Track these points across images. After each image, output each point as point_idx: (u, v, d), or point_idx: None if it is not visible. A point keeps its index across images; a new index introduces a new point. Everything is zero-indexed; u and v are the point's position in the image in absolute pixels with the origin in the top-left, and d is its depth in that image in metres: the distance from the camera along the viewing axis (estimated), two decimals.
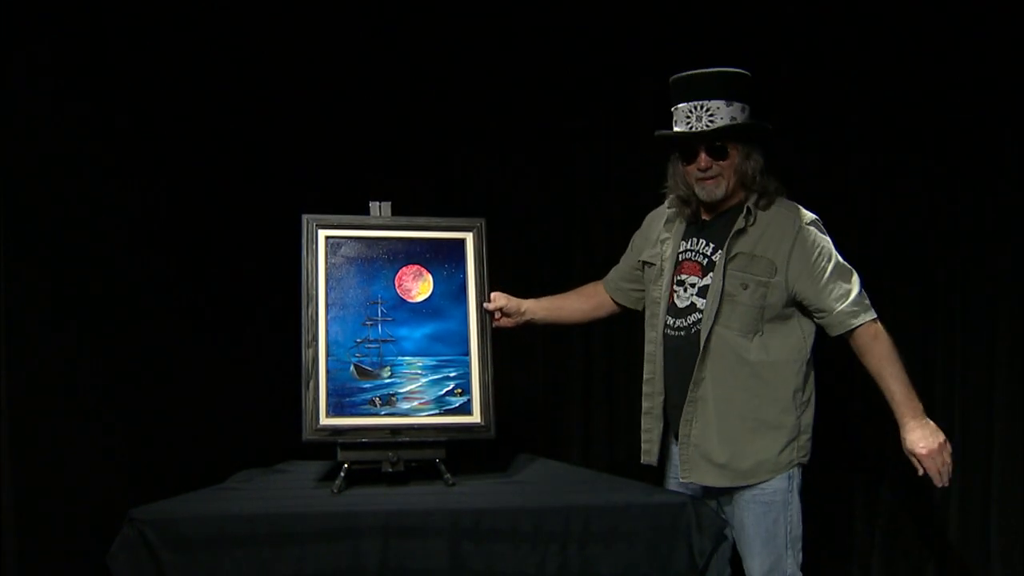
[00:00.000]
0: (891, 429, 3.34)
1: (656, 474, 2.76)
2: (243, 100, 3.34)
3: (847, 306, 2.44)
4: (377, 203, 2.74)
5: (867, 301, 2.47)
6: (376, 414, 2.58)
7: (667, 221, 2.66)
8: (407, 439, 2.56)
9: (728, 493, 2.55)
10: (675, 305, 2.57)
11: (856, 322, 2.43)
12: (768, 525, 2.50)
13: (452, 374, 2.65)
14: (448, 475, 2.55)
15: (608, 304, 2.88)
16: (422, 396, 2.62)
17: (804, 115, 3.40)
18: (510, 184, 3.58)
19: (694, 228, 2.60)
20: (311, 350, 2.57)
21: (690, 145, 2.49)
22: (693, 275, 2.55)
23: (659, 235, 2.67)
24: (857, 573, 3.42)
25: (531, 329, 3.55)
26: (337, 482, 2.48)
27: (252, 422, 3.30)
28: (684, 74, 2.49)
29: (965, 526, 3.20)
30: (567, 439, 3.59)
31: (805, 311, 2.50)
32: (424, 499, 2.40)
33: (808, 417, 2.54)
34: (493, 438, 2.64)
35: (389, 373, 2.62)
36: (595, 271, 3.54)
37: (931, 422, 2.43)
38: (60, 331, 2.81)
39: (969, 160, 3.23)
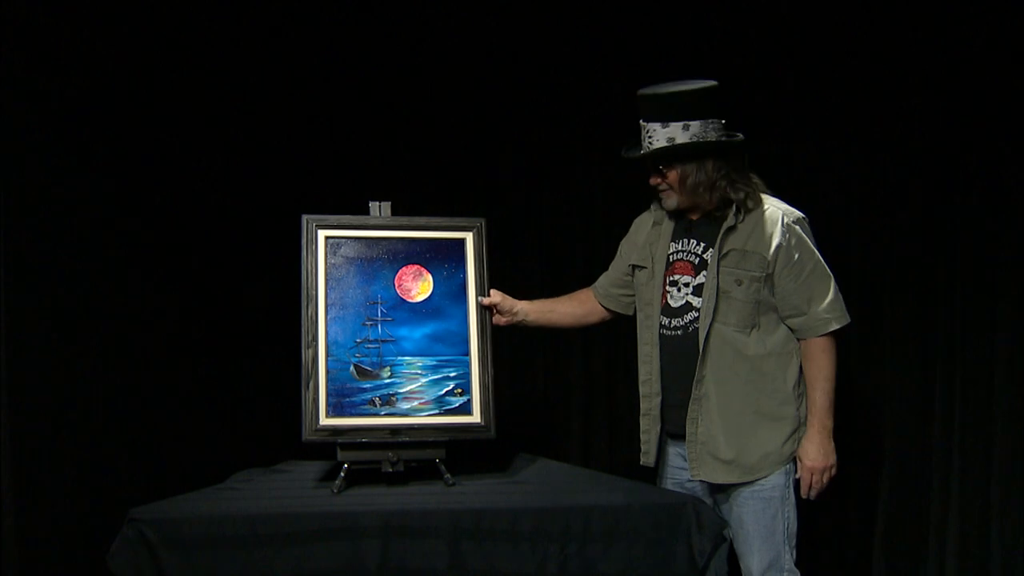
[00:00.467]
0: (890, 427, 3.36)
1: (653, 473, 2.76)
2: (243, 100, 3.34)
3: (820, 311, 2.50)
4: (377, 203, 2.74)
5: (840, 307, 2.53)
6: (376, 414, 2.58)
7: (655, 224, 2.71)
8: (407, 439, 2.56)
9: (726, 489, 2.58)
10: (669, 305, 2.61)
11: (824, 329, 2.50)
12: (767, 521, 2.53)
13: (452, 374, 2.65)
14: (448, 475, 2.55)
15: (599, 311, 2.91)
16: (422, 396, 2.62)
17: (804, 115, 3.40)
18: (510, 184, 3.58)
19: (682, 229, 2.65)
20: (311, 350, 2.57)
21: (643, 164, 2.61)
22: (686, 275, 2.60)
23: (647, 238, 2.72)
24: (857, 573, 3.42)
25: (525, 330, 3.57)
26: (337, 482, 2.48)
27: (252, 422, 3.30)
28: (638, 94, 2.56)
29: (965, 526, 3.20)
30: (567, 439, 3.59)
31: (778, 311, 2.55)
32: (424, 499, 2.40)
33: (804, 409, 2.58)
34: (493, 438, 2.64)
35: (389, 373, 2.62)
36: (595, 271, 3.53)
37: (832, 443, 2.52)
38: (60, 330, 2.81)
39: (969, 159, 3.23)
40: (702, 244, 2.59)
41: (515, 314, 2.76)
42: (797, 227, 2.53)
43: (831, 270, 2.57)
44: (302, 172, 3.38)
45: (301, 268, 2.62)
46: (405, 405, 2.61)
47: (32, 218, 2.72)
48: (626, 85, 3.44)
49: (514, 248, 3.52)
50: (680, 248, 2.63)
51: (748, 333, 2.52)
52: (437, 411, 2.62)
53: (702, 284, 2.55)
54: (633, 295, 2.79)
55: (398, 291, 2.69)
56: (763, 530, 2.53)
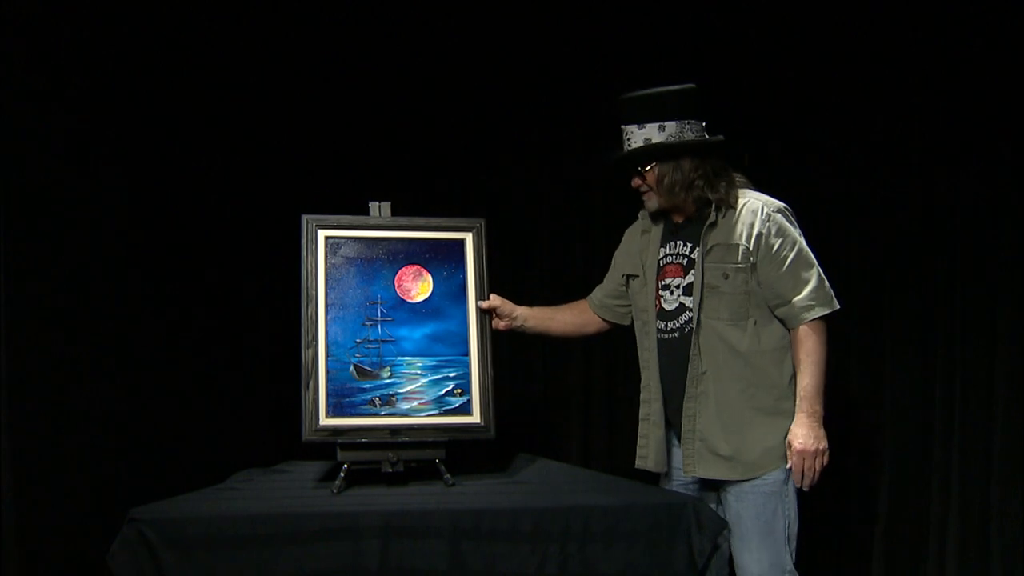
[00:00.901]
0: (890, 427, 3.36)
1: (652, 475, 2.75)
2: (243, 101, 3.34)
3: (803, 298, 2.48)
4: (377, 203, 2.74)
5: (825, 292, 2.50)
6: (376, 414, 2.58)
7: (643, 232, 2.74)
8: (407, 439, 2.56)
9: (724, 486, 2.56)
10: (664, 309, 2.63)
11: (808, 316, 2.48)
12: (768, 518, 2.51)
13: (452, 374, 2.65)
14: (448, 475, 2.55)
15: (596, 321, 2.92)
16: (422, 396, 2.62)
17: (803, 115, 3.40)
18: (510, 184, 3.58)
19: (669, 233, 2.67)
20: (311, 350, 2.57)
21: (625, 168, 2.65)
22: (676, 276, 2.61)
23: (638, 246, 2.75)
24: (857, 573, 3.42)
25: (522, 334, 3.58)
26: (337, 482, 2.48)
27: (252, 422, 3.30)
28: (618, 99, 2.61)
29: (965, 526, 3.20)
30: (567, 439, 3.59)
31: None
32: (424, 499, 2.40)
33: None
34: (493, 438, 2.64)
35: (389, 373, 2.62)
36: (595, 271, 3.54)
37: (822, 429, 2.47)
38: (60, 330, 2.81)
39: (968, 159, 3.23)
40: (689, 244, 2.61)
41: (514, 319, 2.76)
42: (778, 215, 2.53)
43: (826, 263, 2.56)
44: (302, 172, 3.39)
45: (301, 268, 2.62)
46: (405, 405, 2.61)
47: (32, 218, 2.72)
48: (626, 85, 3.46)
49: (514, 248, 3.52)
50: (669, 252, 2.65)
51: (742, 327, 2.52)
52: (437, 411, 2.62)
53: (692, 283, 2.56)
54: (628, 305, 2.81)
55: (398, 291, 2.69)
56: (763, 527, 2.50)
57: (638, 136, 2.58)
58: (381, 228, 2.71)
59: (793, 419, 2.50)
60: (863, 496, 3.40)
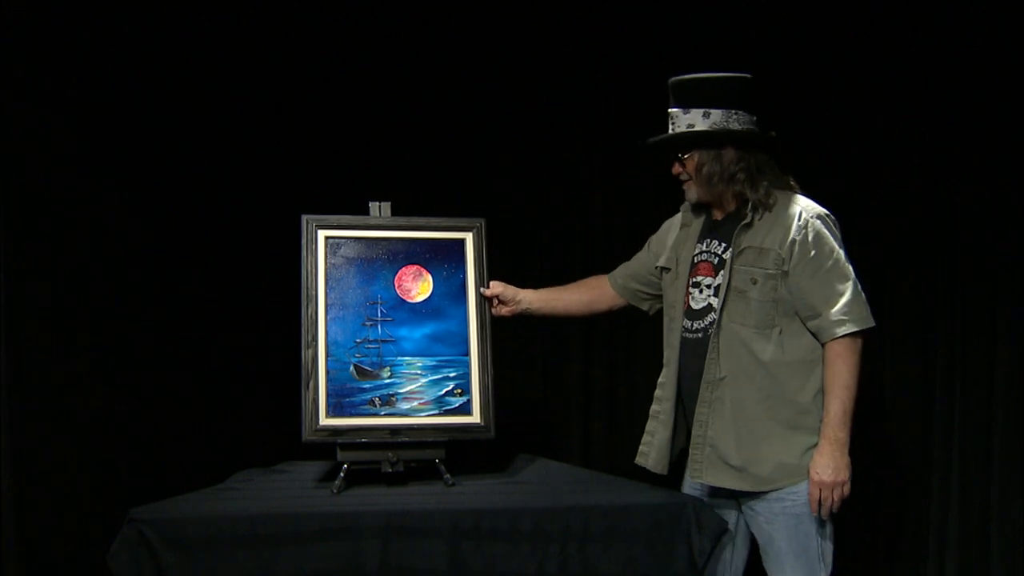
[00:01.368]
0: (890, 427, 3.36)
1: (651, 475, 2.74)
2: (243, 101, 3.34)
3: (835, 312, 2.34)
4: (377, 203, 2.74)
5: (860, 309, 2.36)
6: (376, 414, 2.58)
7: (683, 226, 2.64)
8: (407, 439, 2.56)
9: (752, 502, 2.45)
10: (691, 308, 2.53)
11: (839, 331, 2.34)
12: (800, 539, 2.40)
13: (452, 374, 2.65)
14: (448, 475, 2.55)
15: (609, 297, 2.83)
16: (422, 396, 2.62)
17: (803, 115, 3.40)
18: (510, 184, 3.58)
19: (707, 230, 2.57)
20: (311, 350, 2.57)
21: (666, 154, 2.55)
22: (707, 275, 2.51)
23: (675, 240, 2.65)
24: (857, 573, 3.42)
25: (531, 326, 3.56)
26: (337, 482, 2.48)
27: (252, 422, 3.30)
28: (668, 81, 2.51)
29: (965, 526, 3.20)
30: (567, 439, 3.59)
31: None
32: (424, 499, 2.40)
33: None
34: (493, 438, 2.64)
35: (389, 373, 2.62)
36: (595, 271, 3.55)
37: (846, 458, 2.34)
38: (60, 330, 2.81)
39: (968, 159, 3.23)
40: (723, 244, 2.49)
41: (518, 303, 2.72)
42: (818, 222, 2.40)
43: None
44: (302, 172, 3.38)
45: (301, 268, 2.62)
46: (405, 405, 2.61)
47: (32, 218, 2.72)
48: (626, 85, 3.47)
49: (514, 248, 3.52)
50: (704, 249, 2.54)
51: (767, 335, 2.39)
52: (437, 411, 2.62)
53: (720, 284, 2.45)
54: (652, 293, 2.74)
55: (398, 291, 2.69)
56: (796, 548, 2.40)
57: (682, 121, 2.46)
58: (381, 228, 2.71)
59: (813, 436, 2.38)
60: (863, 496, 3.39)
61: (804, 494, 2.37)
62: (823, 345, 2.38)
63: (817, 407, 2.39)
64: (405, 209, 2.77)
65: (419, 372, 2.64)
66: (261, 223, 3.28)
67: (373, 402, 2.59)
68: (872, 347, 3.37)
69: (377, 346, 2.63)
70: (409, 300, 2.69)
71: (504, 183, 3.58)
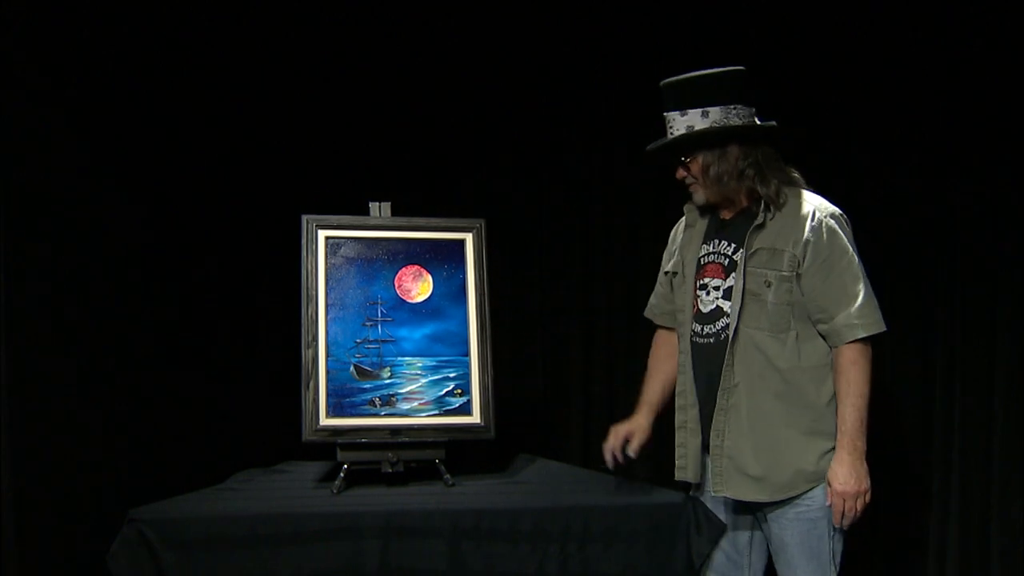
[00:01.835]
0: (890, 427, 3.35)
1: (650, 476, 2.75)
2: (243, 101, 3.34)
3: (848, 316, 2.29)
4: (377, 203, 2.75)
5: (872, 313, 2.31)
6: (376, 414, 2.59)
7: (687, 227, 2.57)
8: (407, 439, 2.56)
9: (765, 508, 2.40)
10: (700, 311, 2.45)
11: (851, 336, 2.29)
12: (813, 544, 2.36)
13: (452, 374, 2.66)
14: (448, 475, 2.55)
15: (670, 335, 2.65)
16: (422, 396, 2.63)
17: (802, 115, 3.40)
18: (510, 184, 3.58)
19: (714, 230, 2.49)
20: (311, 350, 2.57)
21: (668, 159, 2.49)
22: (716, 277, 2.44)
23: (681, 242, 2.58)
24: (857, 573, 3.42)
25: (531, 326, 3.57)
26: (337, 482, 2.48)
27: (252, 422, 3.30)
28: (660, 84, 2.46)
29: (965, 526, 3.20)
30: (567, 439, 3.59)
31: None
32: (424, 499, 2.40)
33: None
34: (493, 438, 2.64)
35: (389, 373, 2.63)
36: (594, 271, 3.55)
37: (864, 466, 2.29)
38: (60, 330, 2.80)
39: (969, 159, 3.23)
40: (732, 244, 2.42)
41: (642, 428, 2.57)
42: (832, 222, 2.35)
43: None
44: (302, 172, 3.38)
45: (301, 268, 2.62)
46: (405, 405, 2.61)
47: (32, 218, 2.72)
48: (625, 85, 3.47)
49: (514, 248, 3.52)
50: (711, 250, 2.47)
51: (782, 340, 2.33)
52: (437, 411, 2.62)
53: (732, 287, 2.38)
54: None
55: (398, 291, 2.69)
56: (808, 553, 2.36)
57: (680, 123, 2.39)
58: (381, 228, 2.72)
59: (829, 440, 2.32)
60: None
61: (818, 498, 2.33)
62: (833, 348, 2.33)
63: (832, 411, 2.34)
64: (405, 209, 2.78)
65: (419, 372, 2.64)
66: (261, 223, 3.28)
67: (373, 402, 2.60)
68: (874, 349, 3.39)
69: (377, 346, 2.63)
70: (409, 300, 2.69)
71: (504, 183, 3.58)
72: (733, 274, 2.39)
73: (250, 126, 3.34)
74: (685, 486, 2.54)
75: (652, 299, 2.72)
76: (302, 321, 2.58)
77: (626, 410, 3.50)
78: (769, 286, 2.34)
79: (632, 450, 2.52)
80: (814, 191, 2.46)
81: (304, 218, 2.66)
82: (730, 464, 2.36)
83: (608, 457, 2.53)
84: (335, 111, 3.47)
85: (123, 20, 3.03)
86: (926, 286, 3.31)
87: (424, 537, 2.27)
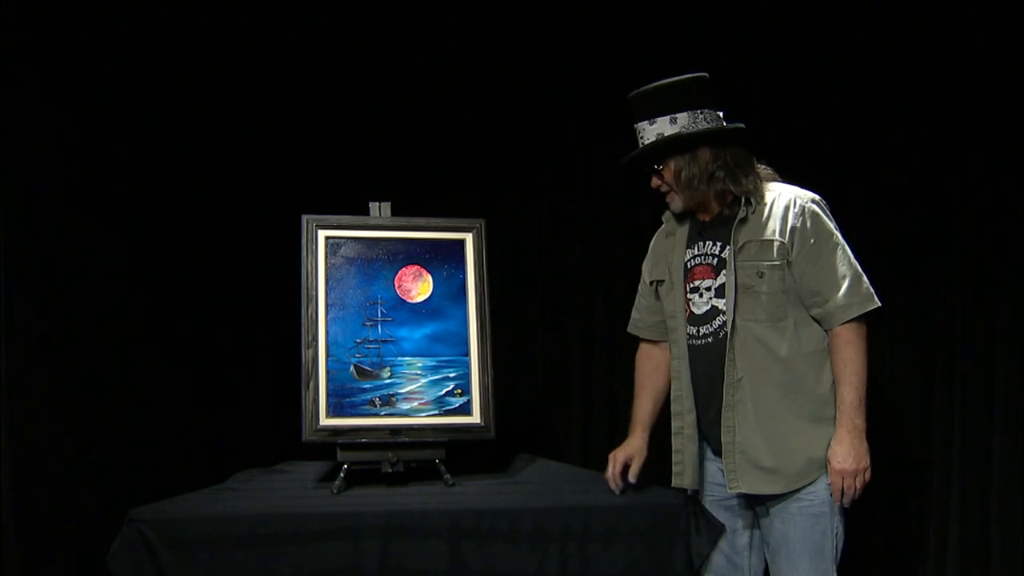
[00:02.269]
0: (890, 427, 3.35)
1: (650, 477, 2.74)
2: (243, 101, 3.34)
3: (840, 296, 2.32)
4: (377, 203, 2.75)
5: (864, 289, 2.34)
6: (376, 414, 2.59)
7: (667, 235, 2.59)
8: (407, 439, 2.56)
9: (765, 503, 2.39)
10: (694, 313, 2.46)
11: (846, 316, 2.32)
12: (816, 538, 2.35)
13: (452, 374, 2.66)
14: (448, 475, 2.55)
15: (655, 349, 2.67)
16: (422, 396, 2.63)
17: (802, 115, 3.40)
18: (510, 184, 3.58)
19: (696, 233, 2.52)
20: (311, 350, 2.57)
21: (643, 168, 2.52)
22: (706, 278, 2.45)
23: (662, 250, 2.60)
24: (857, 573, 3.42)
25: (531, 326, 3.57)
26: (337, 482, 2.48)
27: (252, 422, 3.30)
28: (628, 97, 2.50)
29: (965, 526, 3.20)
30: (567, 439, 3.59)
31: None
32: (424, 499, 2.41)
33: None
34: (493, 438, 2.64)
35: (389, 373, 2.63)
36: (594, 271, 3.55)
37: (864, 444, 2.30)
38: (60, 330, 2.81)
39: (969, 159, 3.23)
40: (718, 244, 2.44)
41: (639, 450, 2.56)
42: (813, 206, 2.38)
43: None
44: (302, 172, 3.38)
45: (301, 268, 2.62)
46: (405, 405, 2.61)
47: (32, 218, 2.72)
48: (625, 85, 3.46)
49: (514, 248, 3.52)
50: (696, 253, 2.49)
51: (780, 329, 2.35)
52: (437, 411, 2.62)
53: (724, 284, 2.40)
54: None
55: (398, 291, 2.69)
56: (811, 547, 2.35)
57: (650, 132, 2.44)
58: (381, 228, 2.72)
59: (834, 426, 2.33)
60: (862, 496, 3.39)
61: (821, 492, 2.34)
62: (828, 331, 2.36)
63: (835, 397, 2.35)
64: (405, 209, 2.78)
65: (419, 372, 2.64)
66: (261, 223, 3.28)
67: (373, 402, 2.60)
68: (873, 345, 3.39)
69: (377, 346, 2.63)
70: (409, 300, 2.69)
71: (504, 183, 3.58)
72: (724, 271, 2.41)
73: (250, 126, 3.34)
74: (650, 472, 2.56)
75: (635, 314, 2.72)
76: (302, 321, 2.58)
77: (626, 410, 3.52)
78: (762, 277, 2.36)
79: (632, 475, 2.52)
80: (787, 182, 2.50)
81: (304, 218, 2.66)
82: (743, 459, 2.36)
83: (612, 486, 2.53)
84: (335, 111, 3.47)
85: (123, 20, 3.03)
86: (926, 286, 3.31)
87: (424, 537, 2.27)
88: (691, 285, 2.48)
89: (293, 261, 2.63)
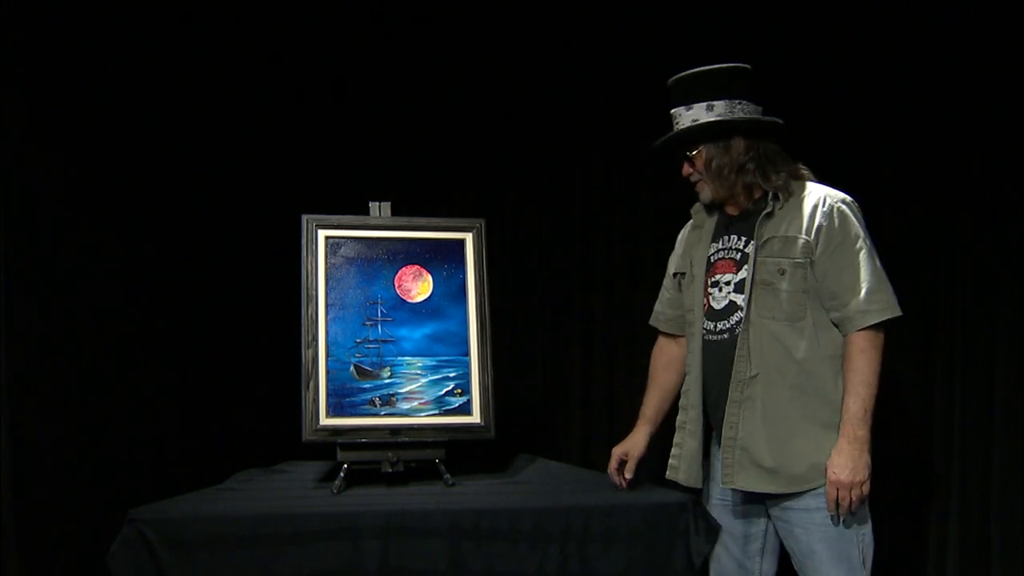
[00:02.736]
0: (890, 427, 3.35)
1: (649, 477, 2.74)
2: (243, 100, 3.34)
3: (860, 301, 2.26)
4: (377, 203, 2.75)
5: (886, 296, 2.28)
6: (376, 414, 2.59)
7: (694, 227, 2.55)
8: (407, 439, 2.56)
9: (787, 511, 2.33)
10: (712, 308, 2.41)
11: (864, 322, 2.26)
12: (843, 547, 2.29)
13: (452, 374, 2.66)
14: (448, 475, 2.55)
15: (672, 344, 2.64)
16: (422, 396, 2.63)
17: (802, 115, 3.40)
18: (510, 184, 3.58)
19: (723, 227, 2.46)
20: (311, 350, 2.57)
21: (674, 155, 2.48)
22: (727, 273, 2.40)
23: (688, 242, 2.55)
24: None
25: (531, 326, 3.57)
26: (337, 482, 2.48)
27: (252, 422, 3.30)
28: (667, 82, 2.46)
29: (965, 526, 3.20)
30: (567, 439, 3.59)
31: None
32: (424, 499, 2.40)
33: None
34: (493, 438, 2.64)
35: (389, 373, 2.63)
36: (594, 271, 3.55)
37: (866, 457, 2.23)
38: (60, 330, 2.81)
39: (969, 159, 3.23)
40: (743, 238, 2.38)
41: (638, 445, 2.57)
42: (843, 207, 2.32)
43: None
44: (302, 172, 3.38)
45: (301, 268, 2.62)
46: (405, 405, 2.61)
47: (32, 217, 2.72)
48: (626, 86, 3.47)
49: (514, 248, 3.52)
50: (721, 247, 2.44)
51: (799, 329, 2.29)
52: (437, 411, 2.62)
53: (744, 279, 2.34)
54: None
55: (398, 291, 2.69)
56: (837, 556, 2.28)
57: (686, 118, 2.39)
58: (381, 228, 2.72)
59: None
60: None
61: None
62: (844, 336, 2.30)
63: None
64: (405, 209, 2.78)
65: (419, 372, 2.64)
66: (261, 223, 3.28)
67: (373, 402, 2.60)
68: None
69: (377, 346, 2.63)
70: (409, 300, 2.69)
71: (504, 183, 3.58)
72: (746, 266, 2.36)
73: (250, 126, 3.34)
74: (643, 473, 2.57)
75: (657, 306, 2.69)
76: (302, 321, 2.58)
77: (626, 410, 3.52)
78: (783, 274, 2.30)
79: (628, 471, 2.54)
80: (820, 182, 2.44)
81: (304, 218, 2.66)
82: (743, 455, 2.31)
83: (614, 481, 2.55)
84: (335, 111, 3.47)
85: (123, 20, 3.03)
86: (926, 286, 3.31)
87: (424, 537, 2.27)
88: (712, 279, 2.43)
89: (293, 261, 2.63)
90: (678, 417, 2.52)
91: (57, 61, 2.82)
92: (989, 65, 3.15)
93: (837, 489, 2.22)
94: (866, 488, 2.24)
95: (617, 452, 2.57)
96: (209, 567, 2.20)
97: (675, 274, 2.59)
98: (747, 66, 2.41)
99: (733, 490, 2.37)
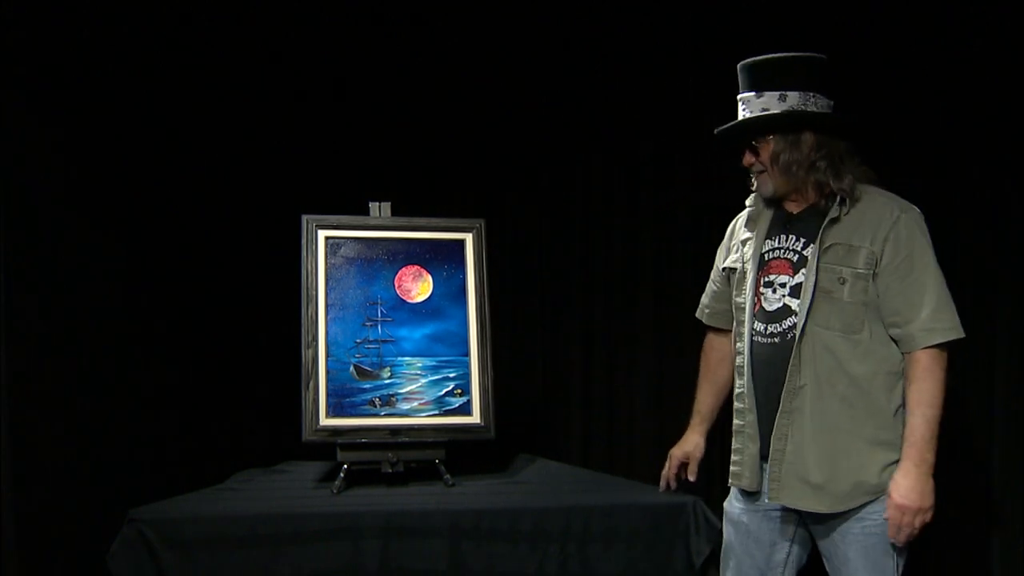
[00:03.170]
0: None
1: (648, 477, 2.74)
2: (243, 100, 3.34)
3: (923, 320, 2.16)
4: (377, 203, 2.75)
5: (950, 316, 2.17)
6: (376, 415, 2.59)
7: (749, 220, 2.40)
8: (407, 439, 2.57)
9: (827, 522, 2.24)
10: (764, 309, 2.30)
11: (926, 341, 2.15)
12: (879, 558, 2.20)
13: (452, 375, 2.66)
14: (448, 476, 2.55)
15: (720, 338, 2.56)
16: (422, 396, 2.63)
17: None
18: (509, 184, 3.58)
19: (780, 224, 2.32)
20: (311, 350, 2.57)
21: (736, 142, 2.34)
22: (783, 274, 2.28)
23: (741, 236, 2.43)
24: None
25: (531, 326, 3.56)
26: (337, 482, 2.48)
27: (252, 422, 3.30)
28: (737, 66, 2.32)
29: (965, 526, 3.20)
30: (567, 439, 3.59)
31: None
32: (424, 499, 2.41)
33: None
34: (493, 438, 2.64)
35: (389, 374, 2.63)
36: (594, 271, 3.55)
37: (931, 482, 2.14)
38: (60, 330, 2.81)
39: (969, 159, 3.23)
40: (802, 240, 2.26)
41: (699, 446, 2.53)
42: (911, 219, 2.20)
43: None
44: (302, 172, 3.38)
45: (301, 268, 2.62)
46: (405, 405, 2.61)
47: (32, 217, 2.72)
48: (626, 86, 3.47)
49: (514, 248, 3.52)
50: (777, 245, 2.31)
51: (855, 341, 2.19)
52: (437, 411, 2.62)
53: (801, 284, 2.23)
54: None
55: (398, 291, 2.69)
56: (872, 567, 2.20)
57: (755, 105, 2.25)
58: (381, 228, 2.72)
59: (892, 452, 2.18)
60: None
61: (883, 513, 2.18)
62: (906, 354, 2.19)
63: (899, 421, 2.20)
64: (405, 209, 2.78)
65: (419, 372, 2.65)
66: (261, 223, 3.28)
67: (373, 402, 2.60)
68: None
69: (377, 346, 2.64)
70: (409, 300, 2.69)
71: (504, 183, 3.58)
72: (803, 270, 2.24)
73: (250, 126, 3.34)
74: (690, 488, 2.52)
75: (704, 299, 2.60)
76: (302, 321, 2.59)
77: (626, 410, 3.52)
78: (843, 283, 2.20)
79: (691, 473, 2.48)
80: (886, 191, 2.31)
81: (304, 218, 2.66)
82: (791, 470, 2.22)
83: (663, 484, 2.51)
84: (335, 111, 3.47)
85: (123, 20, 3.03)
86: None
87: (424, 537, 2.27)
88: (766, 279, 2.31)
89: (293, 261, 2.63)
90: (735, 421, 2.40)
91: (57, 61, 2.82)
92: (989, 65, 3.15)
93: (903, 514, 2.13)
94: (930, 515, 2.16)
95: (676, 455, 2.50)
96: (209, 567, 2.21)
97: (725, 269, 2.48)
98: (823, 56, 2.27)
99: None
